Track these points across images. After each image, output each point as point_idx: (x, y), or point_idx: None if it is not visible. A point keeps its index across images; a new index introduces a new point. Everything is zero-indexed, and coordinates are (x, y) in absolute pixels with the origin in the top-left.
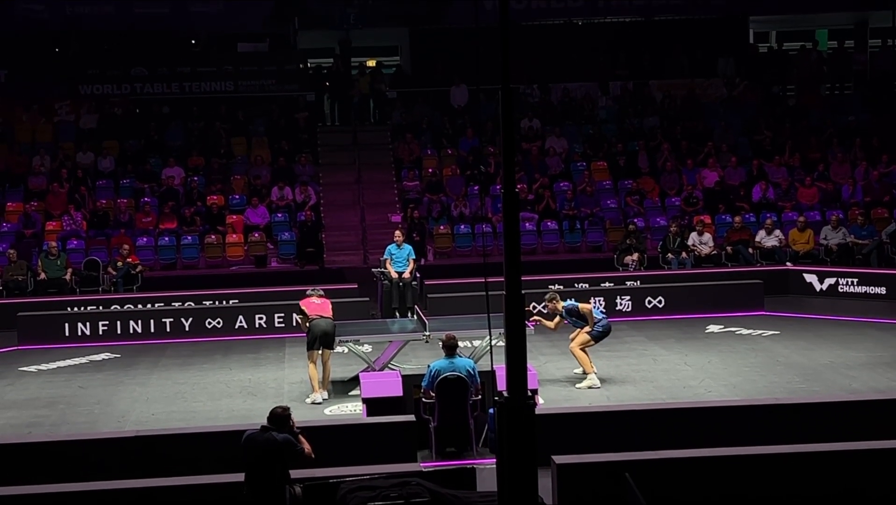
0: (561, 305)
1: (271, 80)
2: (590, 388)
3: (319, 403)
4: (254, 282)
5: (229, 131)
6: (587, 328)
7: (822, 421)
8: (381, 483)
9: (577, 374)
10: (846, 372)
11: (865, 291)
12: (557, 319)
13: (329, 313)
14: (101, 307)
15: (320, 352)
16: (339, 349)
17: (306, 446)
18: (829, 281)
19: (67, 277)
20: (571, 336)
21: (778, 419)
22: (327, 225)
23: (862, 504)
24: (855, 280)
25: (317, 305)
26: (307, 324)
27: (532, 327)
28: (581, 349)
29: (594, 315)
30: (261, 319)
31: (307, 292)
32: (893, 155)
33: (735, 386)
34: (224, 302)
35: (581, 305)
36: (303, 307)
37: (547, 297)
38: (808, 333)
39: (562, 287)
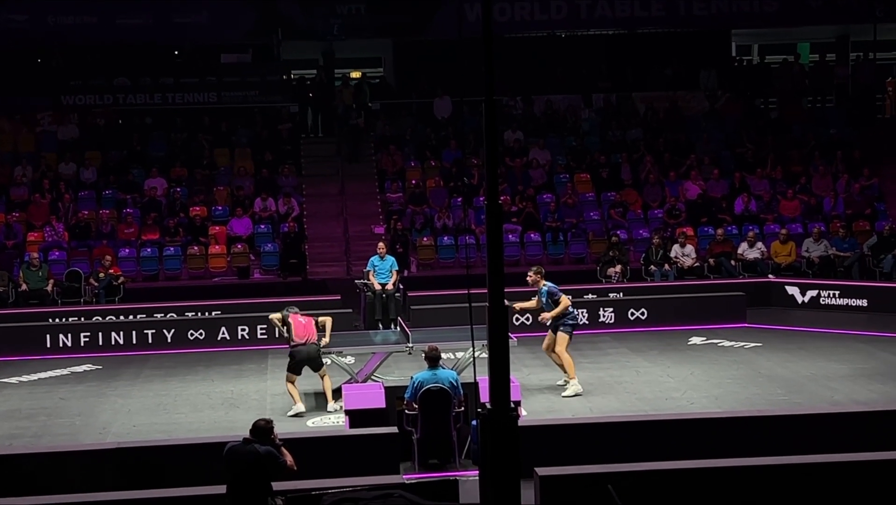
0: (544, 282)
1: (254, 92)
2: (575, 395)
3: (302, 415)
4: (236, 293)
5: (212, 142)
6: (564, 329)
7: (803, 433)
8: (363, 495)
9: (560, 384)
10: (828, 384)
11: (847, 304)
12: (536, 298)
13: (314, 336)
14: (82, 318)
15: (316, 373)
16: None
17: (289, 459)
18: (811, 293)
19: (49, 288)
20: (546, 343)
21: (760, 431)
22: (310, 236)
23: None
24: (836, 292)
25: (302, 326)
26: (290, 344)
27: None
28: (567, 351)
29: (568, 310)
30: (243, 330)
31: (289, 310)
32: (875, 168)
33: (717, 398)
34: (206, 313)
35: (562, 296)
36: (292, 324)
37: (534, 269)
38: (790, 346)
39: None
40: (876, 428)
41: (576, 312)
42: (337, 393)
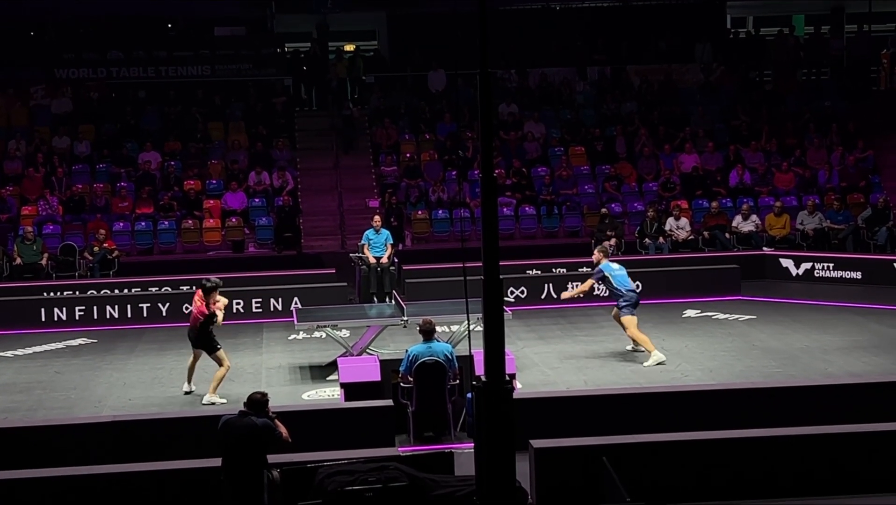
0: (606, 261)
1: (248, 65)
2: (659, 364)
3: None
4: (231, 267)
5: (206, 116)
6: (626, 309)
7: (798, 405)
8: (359, 467)
9: (635, 350)
10: (822, 356)
11: (841, 276)
12: (590, 281)
13: (193, 318)
14: (77, 292)
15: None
16: (316, 334)
17: (284, 431)
18: (805, 266)
19: (43, 262)
20: (619, 319)
21: (754, 403)
22: (305, 210)
23: (838, 487)
24: (831, 265)
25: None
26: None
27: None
28: (638, 330)
29: (622, 292)
30: (238, 304)
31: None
32: (869, 140)
33: (712, 370)
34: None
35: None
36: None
37: (600, 248)
38: (785, 318)
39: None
40: (870, 400)
41: (630, 293)
42: (330, 369)
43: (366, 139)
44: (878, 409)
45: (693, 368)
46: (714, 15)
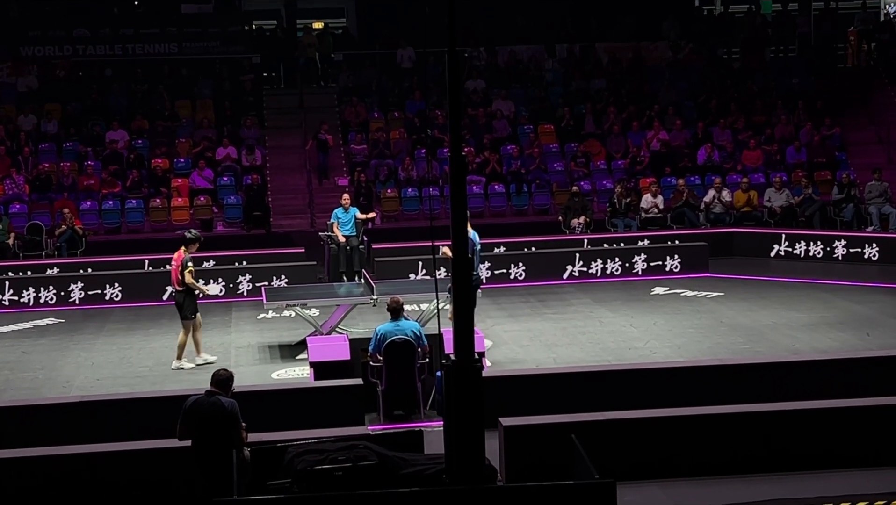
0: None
1: (216, 42)
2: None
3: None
4: (200, 246)
5: (173, 94)
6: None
7: (765, 381)
8: (328, 446)
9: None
10: (789, 333)
11: (808, 253)
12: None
13: (174, 276)
14: (44, 272)
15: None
16: (286, 313)
17: (245, 435)
18: (774, 243)
19: (10, 241)
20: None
21: (722, 380)
22: (273, 188)
23: (803, 463)
24: (798, 242)
25: (173, 269)
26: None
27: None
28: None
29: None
30: (207, 283)
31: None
32: (836, 118)
33: (680, 347)
34: (169, 266)
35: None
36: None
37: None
38: (752, 295)
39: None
40: (836, 376)
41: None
42: (299, 348)
43: (335, 117)
44: (845, 385)
45: (661, 345)
46: None
